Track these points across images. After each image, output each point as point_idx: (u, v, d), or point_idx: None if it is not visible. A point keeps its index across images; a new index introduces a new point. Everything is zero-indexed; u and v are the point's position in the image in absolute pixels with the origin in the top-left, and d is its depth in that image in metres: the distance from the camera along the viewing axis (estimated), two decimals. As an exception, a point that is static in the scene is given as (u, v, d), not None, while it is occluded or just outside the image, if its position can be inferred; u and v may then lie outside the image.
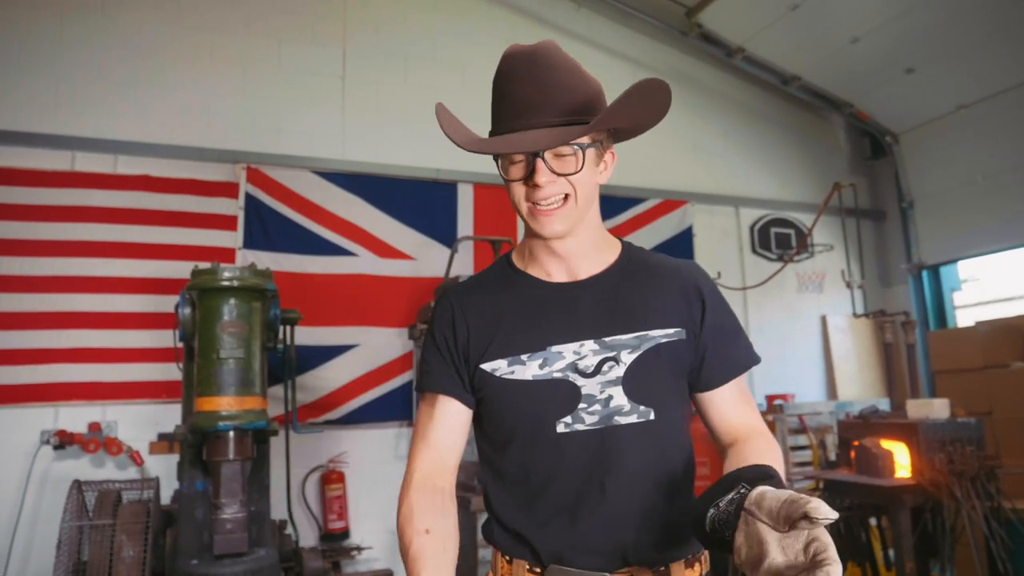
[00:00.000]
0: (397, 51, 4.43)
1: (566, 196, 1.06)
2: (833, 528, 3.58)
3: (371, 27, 4.39)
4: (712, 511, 0.85)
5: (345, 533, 3.82)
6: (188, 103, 3.93)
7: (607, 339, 1.09)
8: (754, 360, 1.17)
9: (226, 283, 2.70)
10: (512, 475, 1.12)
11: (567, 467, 1.07)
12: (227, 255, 3.84)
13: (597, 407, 1.07)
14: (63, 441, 3.39)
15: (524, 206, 1.08)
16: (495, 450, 1.15)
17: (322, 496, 3.85)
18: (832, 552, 0.73)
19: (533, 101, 1.03)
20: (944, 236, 5.16)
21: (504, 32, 4.65)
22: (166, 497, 3.21)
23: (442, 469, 1.12)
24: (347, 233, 4.13)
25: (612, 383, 1.07)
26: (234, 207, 3.94)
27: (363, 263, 4.14)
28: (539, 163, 1.03)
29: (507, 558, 1.12)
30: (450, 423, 1.13)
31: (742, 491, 0.84)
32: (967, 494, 3.07)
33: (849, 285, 4.98)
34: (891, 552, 3.53)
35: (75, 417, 3.49)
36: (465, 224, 4.40)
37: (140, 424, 3.58)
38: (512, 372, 1.10)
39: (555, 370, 1.08)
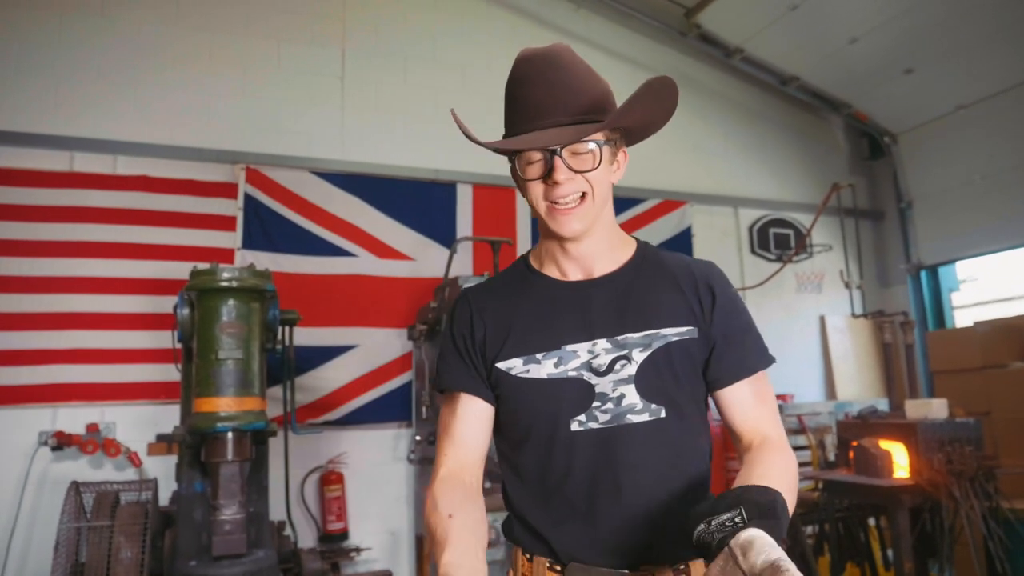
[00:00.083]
0: (396, 51, 4.43)
1: (583, 194, 1.08)
2: (832, 528, 3.58)
3: (370, 27, 4.39)
4: (702, 527, 0.85)
5: (344, 534, 3.81)
6: (187, 103, 3.93)
7: (619, 338, 1.10)
8: (766, 362, 1.15)
9: (225, 284, 2.69)
10: (529, 473, 1.13)
11: (581, 465, 1.08)
12: (226, 256, 3.84)
13: (610, 405, 1.08)
14: (61, 442, 3.39)
15: (542, 205, 1.09)
16: (512, 448, 1.16)
17: (321, 497, 3.85)
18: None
19: (548, 102, 1.05)
20: (942, 236, 5.16)
21: (503, 33, 4.66)
22: (164, 498, 3.20)
23: (467, 464, 1.13)
24: (346, 233, 4.13)
25: (624, 381, 1.08)
26: (233, 207, 3.94)
27: (362, 263, 4.14)
28: (557, 161, 1.04)
29: (527, 556, 1.13)
30: (472, 419, 1.15)
31: (736, 522, 0.83)
32: (965, 494, 3.08)
33: (848, 285, 4.98)
34: (890, 552, 3.54)
35: (73, 418, 3.48)
36: (464, 224, 4.40)
37: (138, 425, 3.58)
38: (527, 371, 1.11)
39: (570, 369, 1.09)
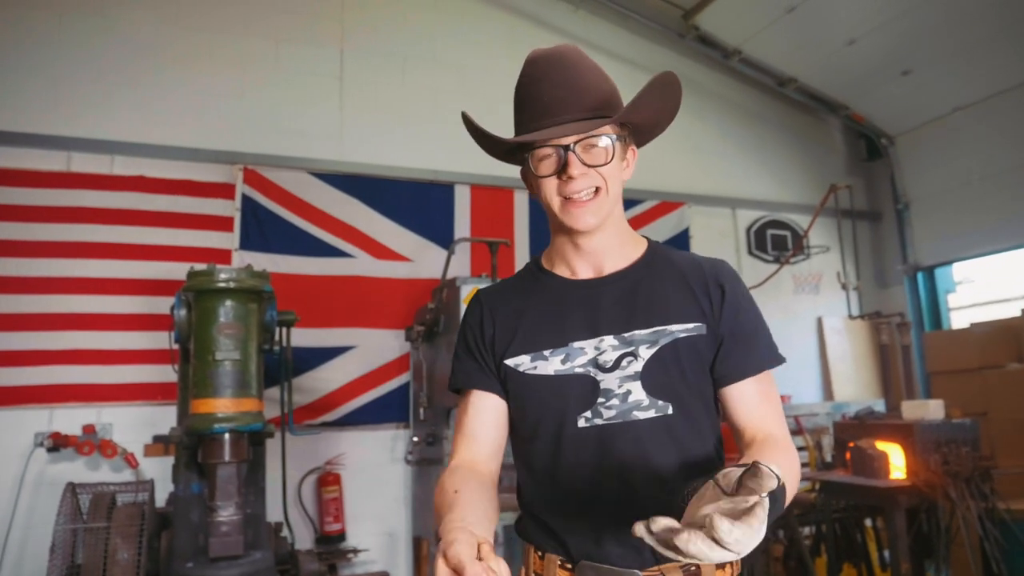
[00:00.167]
0: (395, 52, 4.42)
1: (597, 189, 1.09)
2: (829, 529, 3.59)
3: (369, 28, 4.39)
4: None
5: (341, 535, 3.81)
6: (185, 104, 3.92)
7: (626, 334, 1.10)
8: (774, 361, 1.14)
9: (222, 285, 2.69)
10: (539, 470, 1.13)
11: (589, 462, 1.08)
12: (223, 256, 3.83)
13: (615, 402, 1.08)
14: (57, 443, 3.37)
15: (556, 201, 1.10)
16: (523, 445, 1.17)
17: (318, 498, 3.84)
18: (762, 516, 0.69)
19: (558, 100, 1.07)
20: (939, 238, 5.18)
21: (502, 33, 4.66)
22: (161, 500, 3.20)
23: (480, 457, 1.14)
24: (344, 234, 4.13)
25: (631, 378, 1.08)
26: (230, 208, 3.93)
27: (360, 264, 4.14)
28: (571, 156, 1.06)
29: (539, 553, 1.13)
30: (485, 416, 1.16)
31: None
32: (962, 495, 3.08)
33: (845, 287, 5.00)
34: (886, 553, 3.54)
35: (70, 419, 3.47)
36: (462, 225, 4.39)
37: (135, 426, 3.57)
38: (535, 367, 1.12)
39: (576, 365, 1.10)
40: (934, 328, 5.25)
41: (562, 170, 1.07)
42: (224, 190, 3.93)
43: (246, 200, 3.95)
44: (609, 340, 1.10)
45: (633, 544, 1.05)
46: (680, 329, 1.10)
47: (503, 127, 1.16)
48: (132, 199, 3.73)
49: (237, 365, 2.66)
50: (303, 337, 3.78)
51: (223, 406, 2.60)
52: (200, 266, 2.78)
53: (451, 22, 4.60)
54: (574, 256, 1.17)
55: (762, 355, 1.13)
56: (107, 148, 3.72)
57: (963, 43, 4.42)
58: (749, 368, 1.12)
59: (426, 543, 3.74)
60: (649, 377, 1.08)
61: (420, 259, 4.24)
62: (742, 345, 1.12)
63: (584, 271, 1.17)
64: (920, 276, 5.35)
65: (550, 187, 1.10)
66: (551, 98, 1.07)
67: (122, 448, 3.49)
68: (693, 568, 1.05)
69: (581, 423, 1.09)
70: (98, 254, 3.64)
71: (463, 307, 3.32)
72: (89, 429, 3.47)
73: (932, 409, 3.40)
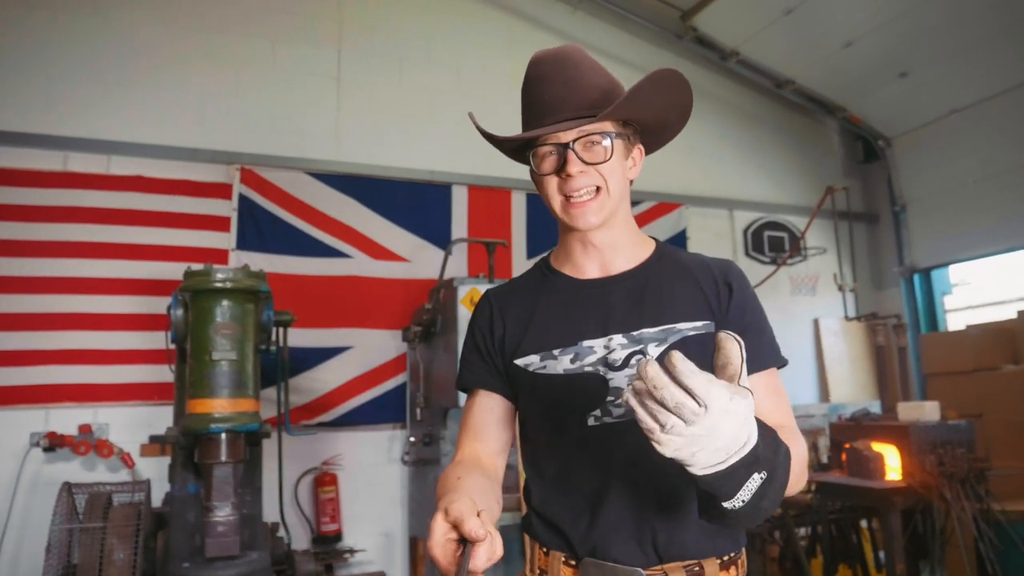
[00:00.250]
0: (392, 52, 4.42)
1: (597, 188, 1.10)
2: (825, 530, 3.59)
3: (366, 28, 4.38)
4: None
5: (338, 536, 3.81)
6: (182, 103, 3.92)
7: (635, 333, 1.11)
8: (778, 362, 1.15)
9: (219, 285, 2.68)
10: (547, 468, 1.14)
11: (597, 460, 1.09)
12: (220, 256, 3.82)
13: None
14: (53, 443, 3.36)
15: (557, 200, 1.11)
16: (532, 444, 1.18)
17: (315, 498, 3.84)
18: (738, 354, 0.80)
19: (560, 98, 1.08)
20: (936, 240, 5.19)
21: (499, 34, 4.66)
22: (157, 500, 3.19)
23: (484, 453, 1.15)
24: (341, 235, 4.12)
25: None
26: (227, 208, 3.92)
27: (357, 265, 4.13)
28: (569, 154, 1.07)
29: (544, 550, 1.13)
30: (491, 415, 1.18)
31: None
32: (957, 496, 3.10)
33: (841, 288, 5.01)
34: (882, 554, 3.55)
35: (66, 419, 3.46)
36: (459, 226, 4.39)
37: (131, 426, 3.56)
38: (544, 367, 1.13)
39: (586, 364, 1.11)
40: (930, 330, 5.27)
41: (561, 168, 1.08)
42: (221, 190, 3.92)
43: (243, 200, 3.94)
44: (618, 339, 1.11)
45: (637, 543, 1.06)
46: (688, 328, 1.11)
47: (502, 127, 1.17)
48: (129, 199, 3.72)
49: (234, 365, 2.65)
50: (300, 337, 3.78)
51: (220, 406, 2.60)
52: (197, 266, 2.78)
53: (449, 23, 4.60)
54: (582, 255, 1.18)
55: (767, 354, 1.15)
56: (104, 148, 3.71)
57: (960, 45, 4.44)
58: (755, 365, 1.12)
59: (422, 543, 3.74)
60: None
61: (417, 259, 4.24)
62: (750, 342, 1.12)
63: (593, 271, 1.18)
64: (917, 278, 5.37)
65: (551, 186, 1.11)
66: (552, 97, 1.08)
67: (118, 448, 3.48)
68: (696, 568, 1.06)
69: (591, 421, 1.10)
70: (94, 254, 3.63)
71: (460, 307, 3.32)
72: (85, 429, 3.46)
73: (928, 411, 3.41)
